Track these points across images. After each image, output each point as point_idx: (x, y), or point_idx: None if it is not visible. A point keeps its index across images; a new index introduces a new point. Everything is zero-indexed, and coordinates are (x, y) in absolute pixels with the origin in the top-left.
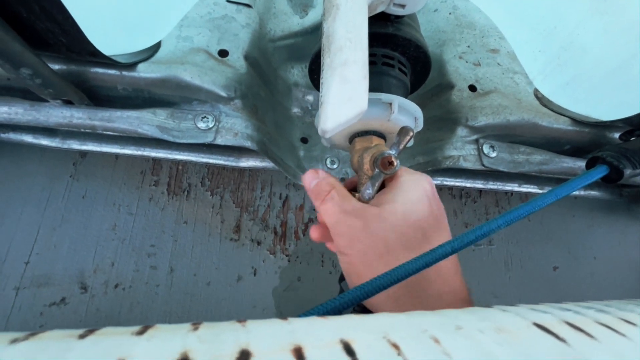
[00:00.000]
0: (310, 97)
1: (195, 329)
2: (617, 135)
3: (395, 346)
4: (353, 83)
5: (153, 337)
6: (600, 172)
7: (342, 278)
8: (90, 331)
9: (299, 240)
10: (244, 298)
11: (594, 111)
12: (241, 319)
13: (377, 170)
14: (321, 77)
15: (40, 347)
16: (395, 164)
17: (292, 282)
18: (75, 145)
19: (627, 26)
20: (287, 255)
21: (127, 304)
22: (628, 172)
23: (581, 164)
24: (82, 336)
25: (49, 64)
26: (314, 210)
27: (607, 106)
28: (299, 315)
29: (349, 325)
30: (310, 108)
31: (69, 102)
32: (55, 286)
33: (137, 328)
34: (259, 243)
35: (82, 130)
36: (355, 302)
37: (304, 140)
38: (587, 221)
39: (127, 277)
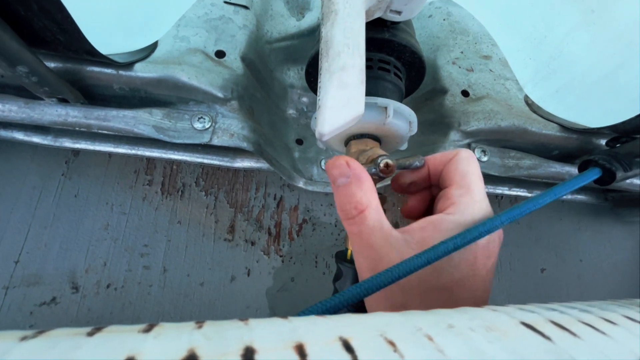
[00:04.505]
0: (305, 99)
1: (200, 327)
2: (603, 141)
3: (392, 343)
4: (351, 88)
5: (160, 334)
6: (593, 174)
7: (336, 278)
8: (98, 329)
9: (293, 241)
10: (238, 298)
11: (581, 118)
12: (241, 318)
13: (374, 172)
14: (319, 81)
15: (49, 344)
16: (392, 167)
17: (285, 282)
18: (67, 143)
19: (614, 37)
20: (281, 256)
21: (119, 304)
22: (620, 174)
23: (569, 169)
24: (90, 334)
25: (45, 62)
26: (308, 211)
27: (594, 114)
28: (303, 312)
29: (347, 324)
30: (305, 110)
31: (64, 101)
32: (46, 286)
33: (143, 326)
34: (253, 243)
35: (77, 128)
36: (357, 298)
37: (299, 142)
38: (574, 224)
39: (120, 277)
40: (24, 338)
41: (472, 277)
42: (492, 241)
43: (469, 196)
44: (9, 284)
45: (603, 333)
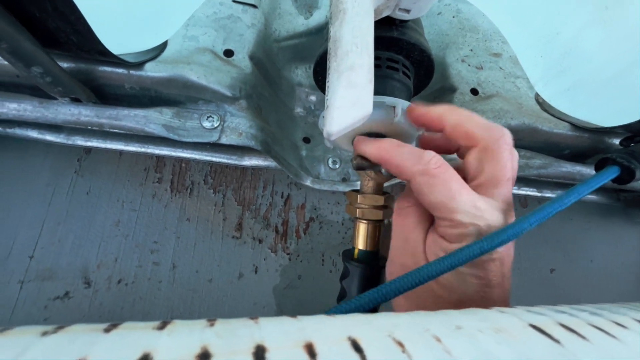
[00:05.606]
0: (313, 98)
1: (212, 325)
2: (616, 141)
3: (400, 344)
4: (359, 87)
5: (173, 331)
6: (612, 172)
7: (343, 277)
8: (114, 325)
9: (300, 239)
10: (245, 295)
11: (594, 117)
12: (248, 316)
13: (382, 171)
14: (327, 80)
15: (69, 339)
16: None
17: (292, 280)
18: (80, 141)
19: (628, 34)
20: (288, 254)
21: (130, 299)
22: (639, 172)
23: (580, 168)
24: (106, 330)
25: (59, 63)
26: (315, 209)
27: (607, 112)
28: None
29: (356, 324)
30: (313, 108)
31: (76, 100)
32: (59, 280)
33: (157, 323)
34: (260, 241)
35: (89, 127)
36: (383, 300)
37: (307, 140)
38: (584, 224)
39: (130, 272)
40: (44, 333)
41: (486, 298)
42: (507, 257)
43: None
44: (24, 279)
45: (613, 337)
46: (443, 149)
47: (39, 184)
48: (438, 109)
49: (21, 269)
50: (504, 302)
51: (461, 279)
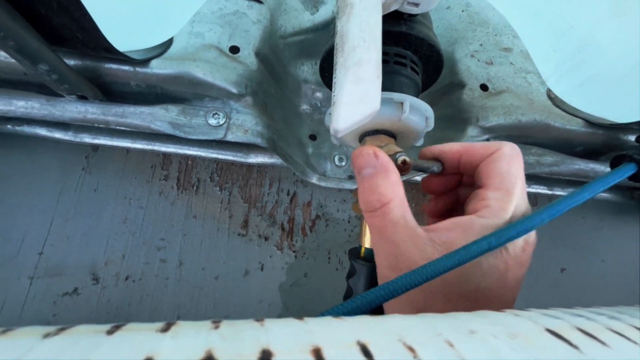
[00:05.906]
0: (319, 94)
1: (217, 327)
2: (631, 137)
3: (411, 349)
4: (366, 83)
5: (177, 334)
6: (628, 170)
7: (349, 275)
8: (117, 327)
9: (306, 237)
10: (251, 293)
11: (608, 113)
12: (254, 314)
13: None
14: (334, 76)
15: (71, 341)
16: (409, 165)
17: (298, 277)
18: (87, 139)
19: None
20: (294, 251)
21: (138, 296)
22: None
23: (594, 166)
24: (109, 332)
25: (65, 60)
26: (321, 207)
27: (622, 108)
28: (323, 314)
29: (365, 327)
30: (319, 105)
31: (83, 98)
32: (68, 277)
33: (160, 325)
34: (266, 239)
35: (96, 125)
36: (383, 300)
37: (313, 137)
38: (597, 223)
39: (138, 269)
40: (46, 335)
41: (501, 288)
42: (527, 248)
43: (507, 199)
44: (33, 275)
45: (634, 342)
46: (441, 187)
47: (47, 181)
48: (453, 145)
49: (31, 265)
50: (514, 296)
51: (479, 268)
